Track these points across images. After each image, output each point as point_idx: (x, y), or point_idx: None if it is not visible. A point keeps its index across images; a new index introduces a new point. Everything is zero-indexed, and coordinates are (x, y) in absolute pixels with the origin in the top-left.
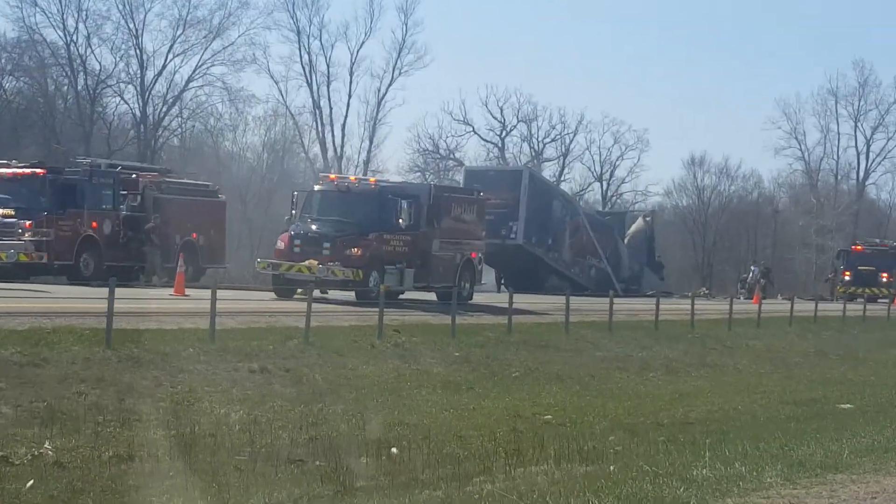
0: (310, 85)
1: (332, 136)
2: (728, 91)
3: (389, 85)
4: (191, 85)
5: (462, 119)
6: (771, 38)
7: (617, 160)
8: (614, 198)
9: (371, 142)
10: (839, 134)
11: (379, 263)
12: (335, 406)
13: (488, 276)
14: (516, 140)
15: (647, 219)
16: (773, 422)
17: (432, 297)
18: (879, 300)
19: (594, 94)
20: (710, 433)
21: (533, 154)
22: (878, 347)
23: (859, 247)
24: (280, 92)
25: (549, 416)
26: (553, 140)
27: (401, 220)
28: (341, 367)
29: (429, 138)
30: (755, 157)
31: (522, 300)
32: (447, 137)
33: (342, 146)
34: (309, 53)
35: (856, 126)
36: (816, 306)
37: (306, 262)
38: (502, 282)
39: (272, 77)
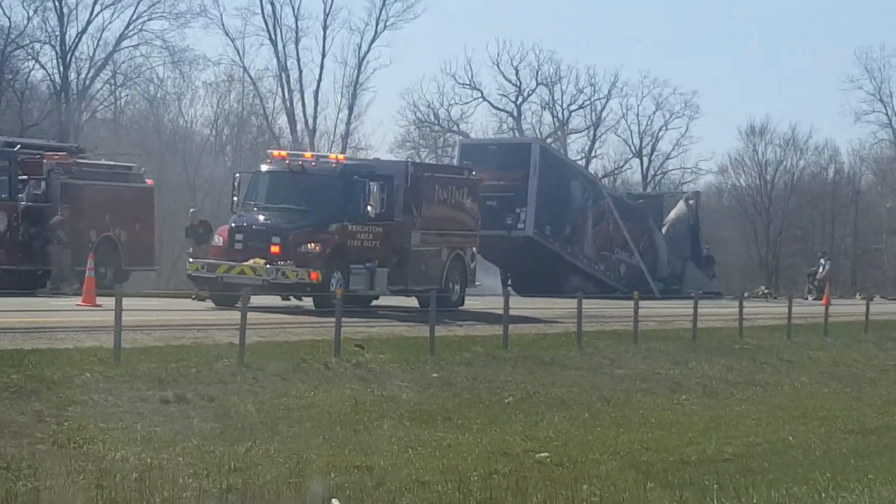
0: (273, 42)
1: (303, 104)
2: (796, 43)
3: (372, 41)
4: (123, 44)
5: (468, 83)
6: None
7: (660, 131)
8: (657, 177)
9: (350, 111)
10: None
11: (342, 262)
12: (268, 445)
13: (488, 276)
14: (535, 107)
15: (691, 202)
16: (831, 456)
17: (414, 303)
18: None
19: (630, 50)
20: (749, 472)
21: (556, 124)
22: None
23: None
24: (237, 51)
25: (546, 454)
26: (581, 107)
27: (370, 208)
28: (282, 394)
29: (427, 107)
30: (830, 124)
31: (531, 305)
32: (450, 105)
33: (315, 117)
34: (272, 2)
35: None
36: None
37: (250, 262)
38: (509, 283)
39: (227, 33)
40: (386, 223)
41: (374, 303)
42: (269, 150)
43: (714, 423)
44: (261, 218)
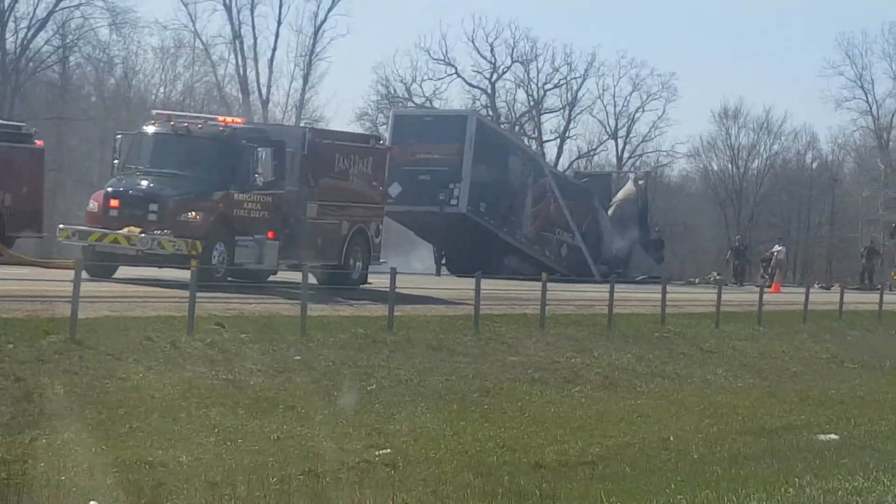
0: (228, 8)
1: (257, 73)
2: (776, 26)
3: (329, 9)
4: (62, 5)
5: (442, 58)
6: None
7: (636, 112)
8: (632, 159)
9: (305, 81)
10: None
11: (226, 233)
12: (60, 435)
13: (421, 254)
14: (510, 85)
15: (640, 182)
16: (709, 461)
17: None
18: None
19: (608, 29)
20: (603, 478)
21: (531, 103)
22: None
23: None
24: (189, 17)
25: (388, 450)
26: (556, 86)
27: (258, 175)
28: (106, 376)
29: (400, 82)
30: (809, 110)
31: (455, 285)
32: (423, 81)
33: (269, 86)
34: None
35: None
36: (842, 298)
37: (124, 231)
38: (443, 262)
39: None
40: (277, 192)
41: (274, 278)
42: (154, 111)
43: (595, 420)
44: (141, 183)
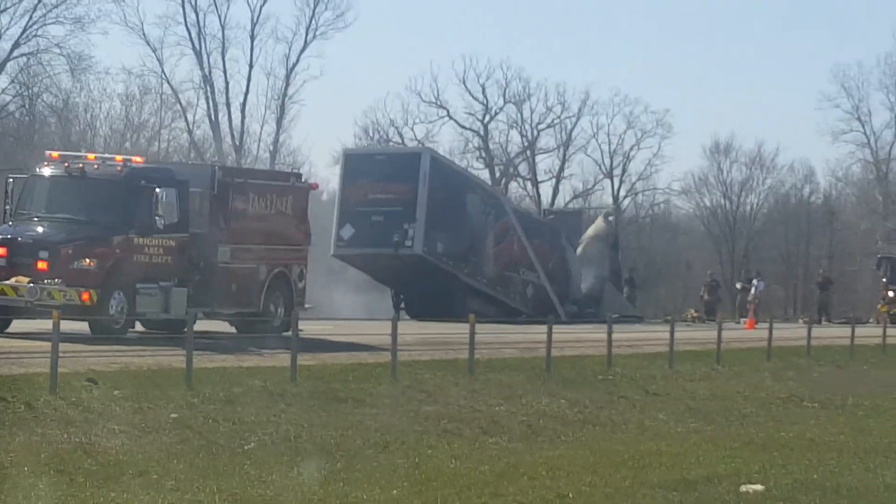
0: (198, 53)
1: (229, 118)
2: (770, 60)
3: (302, 51)
4: (16, 52)
5: (434, 101)
6: None
7: (632, 150)
8: (629, 197)
9: (279, 125)
10: None
11: (126, 280)
12: None
13: (380, 297)
14: (503, 126)
15: (610, 218)
16: None
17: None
18: None
19: (601, 67)
20: None
21: (525, 143)
22: (886, 389)
23: None
24: (158, 61)
25: None
26: (550, 125)
27: (159, 217)
28: None
29: (391, 125)
30: (807, 144)
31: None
32: (415, 124)
33: (242, 130)
34: (196, 11)
35: None
36: (810, 334)
37: (11, 281)
38: (402, 306)
39: (148, 43)
40: (181, 235)
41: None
42: (48, 151)
43: (496, 476)
44: (32, 229)
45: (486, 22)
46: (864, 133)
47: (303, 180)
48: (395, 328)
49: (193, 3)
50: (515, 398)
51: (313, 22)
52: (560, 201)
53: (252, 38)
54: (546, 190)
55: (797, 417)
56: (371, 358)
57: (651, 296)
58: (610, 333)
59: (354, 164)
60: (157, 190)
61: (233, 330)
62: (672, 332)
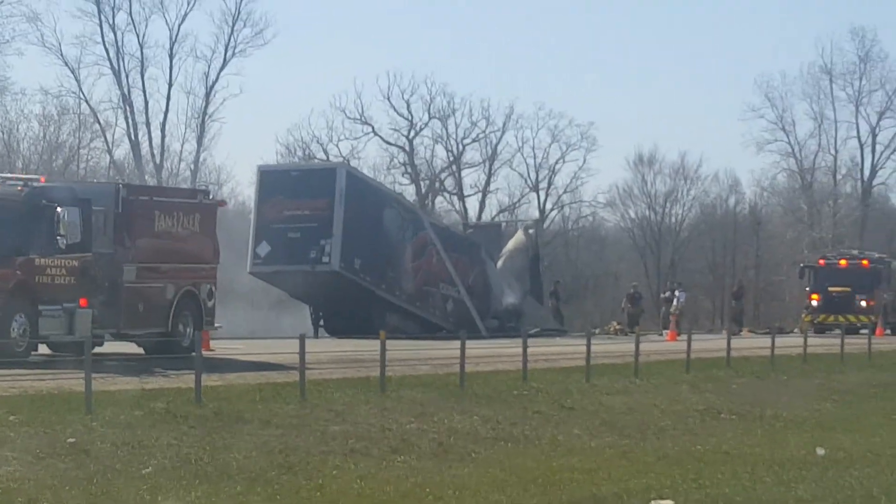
0: (116, 72)
1: (149, 136)
2: (694, 71)
3: (221, 69)
4: None
5: (359, 117)
6: (748, 2)
7: (557, 163)
8: (555, 210)
9: (199, 143)
10: (836, 122)
11: (27, 302)
12: None
13: (297, 315)
14: (428, 141)
15: (531, 231)
16: None
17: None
18: (861, 331)
19: (525, 81)
20: None
21: (451, 158)
22: (806, 400)
23: (826, 262)
24: (76, 81)
25: None
26: (475, 140)
27: (61, 237)
28: None
29: (316, 142)
30: (732, 154)
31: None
32: (339, 141)
33: (162, 150)
34: (114, 31)
35: (857, 111)
36: (730, 345)
37: None
38: (321, 324)
39: (66, 63)
40: (85, 255)
41: (100, 350)
42: None
43: (403, 496)
44: None
45: (409, 38)
46: (789, 143)
47: (210, 197)
48: (302, 346)
49: (111, 22)
50: (427, 416)
51: (232, 39)
52: (487, 215)
53: (171, 56)
54: (473, 204)
55: (714, 430)
56: (280, 377)
57: (578, 308)
58: (525, 348)
59: (270, 180)
60: (59, 209)
61: (141, 351)
62: (588, 346)
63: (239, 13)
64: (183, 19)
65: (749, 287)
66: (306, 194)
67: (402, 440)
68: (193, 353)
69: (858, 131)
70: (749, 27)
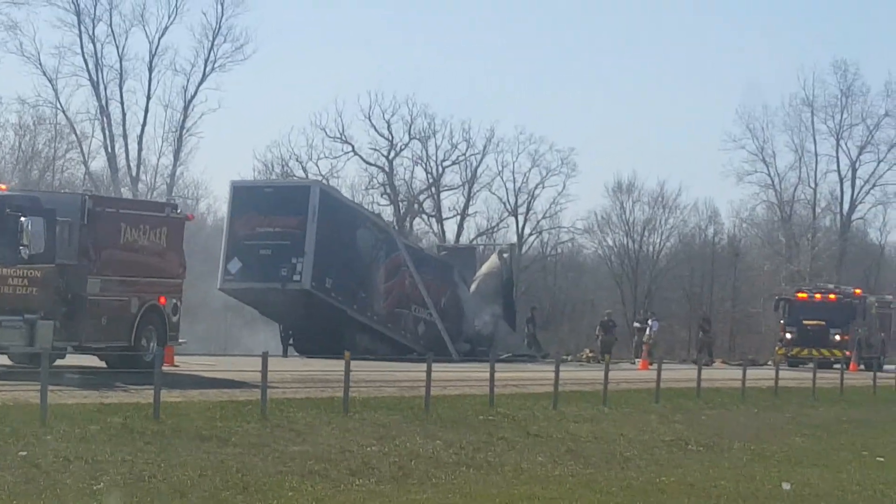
0: (94, 84)
1: (126, 149)
2: (677, 100)
3: (200, 83)
4: None
5: (339, 136)
6: (730, 33)
7: (536, 188)
8: (533, 235)
9: (176, 157)
10: (817, 155)
11: None
12: None
13: (267, 333)
14: (408, 163)
15: (505, 255)
16: None
17: None
18: (835, 365)
19: (506, 104)
20: None
21: (430, 180)
22: (775, 434)
23: (804, 294)
24: (54, 91)
25: None
26: (455, 162)
27: (23, 247)
28: None
29: (295, 160)
30: (711, 184)
31: (290, 367)
32: (319, 159)
33: (139, 162)
34: (94, 41)
35: (838, 145)
36: (700, 375)
37: None
38: (291, 342)
39: (44, 73)
40: (48, 266)
41: (61, 362)
42: None
43: None
44: None
45: (391, 58)
46: (769, 174)
47: (178, 211)
48: (265, 364)
49: (91, 33)
50: (389, 438)
51: (212, 54)
52: (465, 238)
53: (150, 69)
54: (451, 227)
55: (680, 461)
56: (243, 395)
57: (555, 335)
58: (492, 372)
59: (242, 196)
60: (23, 219)
61: (103, 364)
62: (557, 372)
63: (220, 28)
64: (163, 32)
65: (717, 318)
66: (279, 211)
67: (363, 462)
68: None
69: (839, 165)
70: (731, 58)
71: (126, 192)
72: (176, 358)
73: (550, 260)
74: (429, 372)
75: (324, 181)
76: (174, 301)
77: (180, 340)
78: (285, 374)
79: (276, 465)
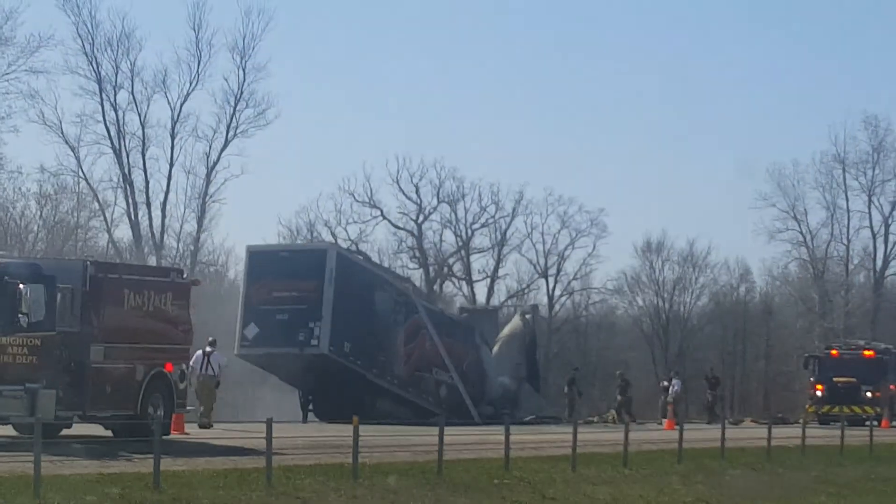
0: (117, 152)
1: (149, 216)
2: (706, 160)
3: (223, 150)
4: None
5: (367, 201)
6: (758, 91)
7: (566, 250)
8: (563, 297)
9: (199, 224)
10: (849, 211)
11: None
12: None
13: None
14: (436, 226)
15: (527, 316)
16: None
17: None
18: (866, 423)
19: (535, 166)
20: None
21: (459, 243)
22: (800, 493)
23: (835, 352)
24: (77, 160)
25: None
26: (484, 225)
27: (22, 315)
28: None
29: (324, 225)
30: (742, 243)
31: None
32: (348, 224)
33: (163, 229)
34: (115, 109)
35: (870, 201)
36: (724, 435)
37: None
38: (310, 408)
39: (66, 141)
40: (49, 334)
41: (67, 432)
42: None
43: None
44: None
45: (418, 121)
46: (801, 232)
47: (185, 276)
48: (269, 430)
49: (113, 101)
50: None
51: (234, 120)
52: (496, 301)
53: (172, 136)
54: (481, 289)
55: None
56: (251, 463)
57: (587, 397)
58: (507, 434)
59: (258, 261)
60: (21, 286)
61: (109, 434)
62: (575, 433)
63: (241, 93)
64: (185, 99)
65: (751, 377)
66: (295, 275)
67: None
68: (164, 437)
69: (871, 221)
70: (762, 115)
71: (150, 260)
72: (186, 426)
73: (581, 321)
74: (441, 435)
75: (351, 245)
76: (181, 368)
77: (188, 407)
78: (297, 440)
79: None
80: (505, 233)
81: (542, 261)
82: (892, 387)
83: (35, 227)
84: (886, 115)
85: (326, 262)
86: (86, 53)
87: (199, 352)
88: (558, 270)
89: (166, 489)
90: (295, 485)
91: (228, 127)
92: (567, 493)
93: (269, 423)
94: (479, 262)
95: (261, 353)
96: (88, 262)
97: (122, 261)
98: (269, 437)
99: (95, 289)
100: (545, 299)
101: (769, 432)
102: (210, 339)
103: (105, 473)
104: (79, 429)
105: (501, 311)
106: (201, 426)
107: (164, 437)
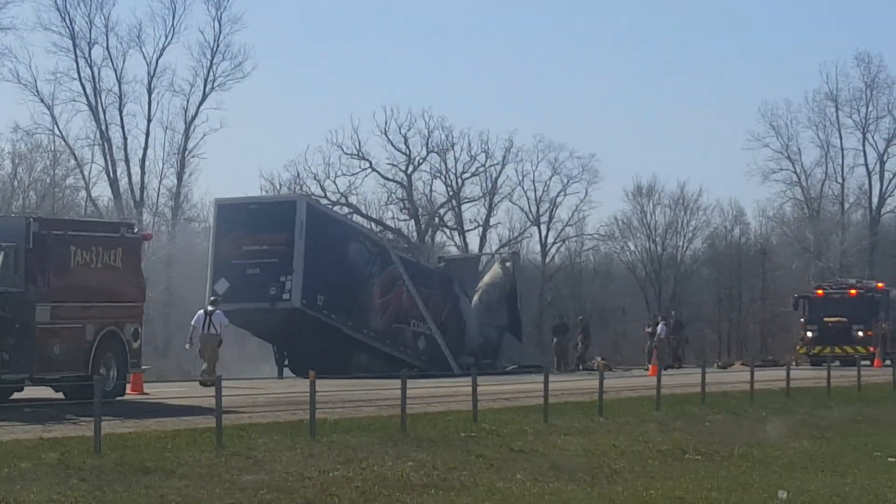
0: (93, 109)
1: (128, 173)
2: (698, 101)
3: (200, 104)
4: None
5: (356, 153)
6: (748, 29)
7: (558, 196)
8: (557, 243)
9: (179, 179)
10: (843, 150)
11: None
12: None
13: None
14: (427, 176)
15: (508, 264)
16: None
17: None
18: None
19: (525, 112)
20: None
21: (450, 193)
22: (781, 438)
23: (821, 291)
24: (53, 118)
25: None
26: (475, 174)
27: None
28: None
29: (313, 178)
30: (736, 184)
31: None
32: (337, 177)
33: (142, 186)
34: (91, 66)
35: (864, 139)
36: (703, 380)
37: None
38: (286, 363)
39: (41, 99)
40: None
41: (18, 395)
42: None
43: None
44: None
45: (405, 70)
46: (795, 172)
47: (135, 231)
48: (219, 388)
49: (87, 57)
50: (356, 461)
51: (211, 73)
52: (489, 250)
53: (149, 91)
54: (473, 239)
55: (673, 472)
56: (204, 422)
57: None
58: (475, 386)
59: (227, 214)
60: None
61: (60, 396)
62: (546, 383)
63: (218, 45)
64: (161, 53)
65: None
66: (265, 228)
67: (321, 490)
68: (119, 398)
69: (866, 159)
70: (752, 55)
71: (130, 217)
72: (146, 386)
73: (575, 268)
74: (403, 388)
75: (340, 198)
76: (134, 326)
77: (143, 367)
78: (258, 398)
79: (224, 497)
80: (496, 181)
81: (533, 208)
82: (882, 325)
83: (11, 187)
84: (878, 52)
85: (296, 214)
86: (58, 9)
87: (201, 311)
88: (551, 218)
89: (108, 453)
90: (248, 444)
91: (206, 80)
92: (536, 444)
93: (218, 379)
94: (471, 212)
95: (232, 308)
96: (31, 219)
97: (103, 219)
98: (218, 395)
99: (40, 246)
100: (538, 247)
101: (751, 375)
102: (211, 297)
103: (45, 438)
104: (31, 392)
105: (482, 260)
106: (203, 384)
107: (119, 397)
